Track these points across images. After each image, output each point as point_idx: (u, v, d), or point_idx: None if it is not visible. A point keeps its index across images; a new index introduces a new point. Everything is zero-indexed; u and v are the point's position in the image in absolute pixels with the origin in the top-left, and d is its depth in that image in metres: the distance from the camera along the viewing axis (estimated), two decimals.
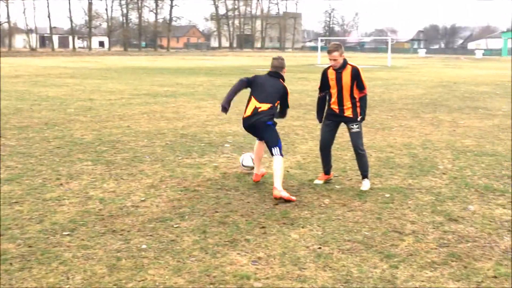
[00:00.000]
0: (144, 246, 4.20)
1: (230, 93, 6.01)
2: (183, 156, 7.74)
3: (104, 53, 72.55)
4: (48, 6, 77.86)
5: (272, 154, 5.86)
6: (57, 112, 12.37)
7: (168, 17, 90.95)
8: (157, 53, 76.38)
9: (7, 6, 73.71)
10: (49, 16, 78.52)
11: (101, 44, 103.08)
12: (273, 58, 6.31)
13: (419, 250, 4.22)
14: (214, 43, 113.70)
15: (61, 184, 6.09)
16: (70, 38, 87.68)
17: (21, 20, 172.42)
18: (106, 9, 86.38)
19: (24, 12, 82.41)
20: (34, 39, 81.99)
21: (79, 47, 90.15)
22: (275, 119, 6.03)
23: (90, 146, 8.37)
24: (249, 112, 5.93)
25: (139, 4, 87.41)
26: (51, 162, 7.18)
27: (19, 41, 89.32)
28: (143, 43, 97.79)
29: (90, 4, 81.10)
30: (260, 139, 6.18)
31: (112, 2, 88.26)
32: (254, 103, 5.92)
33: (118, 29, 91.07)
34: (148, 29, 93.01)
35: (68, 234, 4.46)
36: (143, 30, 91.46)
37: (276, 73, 6.15)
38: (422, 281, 3.67)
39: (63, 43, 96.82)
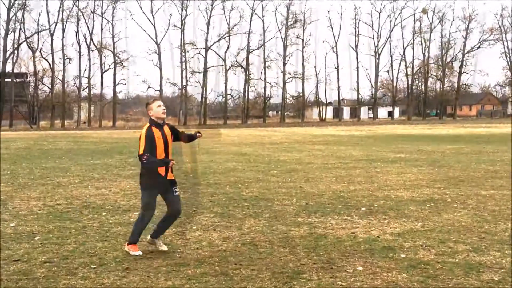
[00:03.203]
0: None
1: None
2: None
3: (385, 122, 74.52)
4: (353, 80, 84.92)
5: None
6: (255, 172, 13.72)
7: (455, 85, 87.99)
8: (439, 121, 74.19)
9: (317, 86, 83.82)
10: (338, 89, 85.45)
11: (390, 113, 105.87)
12: None
13: None
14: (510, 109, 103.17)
15: None
16: (362, 109, 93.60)
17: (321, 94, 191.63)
18: (392, 80, 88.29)
19: (316, 86, 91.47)
20: (330, 111, 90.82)
21: (369, 117, 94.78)
22: None
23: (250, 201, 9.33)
24: None
25: (425, 75, 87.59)
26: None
27: (315, 113, 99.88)
28: (433, 112, 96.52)
29: (376, 76, 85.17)
30: None
31: (398, 73, 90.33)
32: None
33: (403, 99, 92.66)
34: (437, 98, 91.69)
35: None
36: (429, 99, 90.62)
37: None
38: None
39: (354, 113, 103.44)
